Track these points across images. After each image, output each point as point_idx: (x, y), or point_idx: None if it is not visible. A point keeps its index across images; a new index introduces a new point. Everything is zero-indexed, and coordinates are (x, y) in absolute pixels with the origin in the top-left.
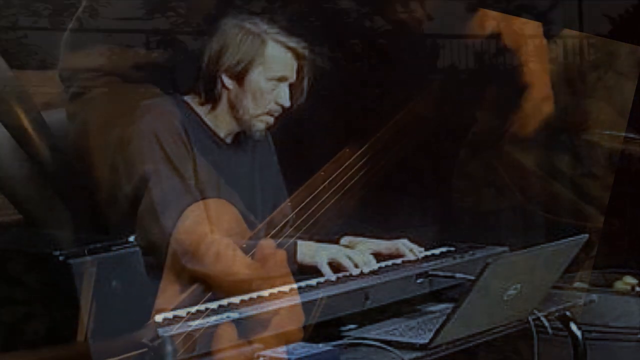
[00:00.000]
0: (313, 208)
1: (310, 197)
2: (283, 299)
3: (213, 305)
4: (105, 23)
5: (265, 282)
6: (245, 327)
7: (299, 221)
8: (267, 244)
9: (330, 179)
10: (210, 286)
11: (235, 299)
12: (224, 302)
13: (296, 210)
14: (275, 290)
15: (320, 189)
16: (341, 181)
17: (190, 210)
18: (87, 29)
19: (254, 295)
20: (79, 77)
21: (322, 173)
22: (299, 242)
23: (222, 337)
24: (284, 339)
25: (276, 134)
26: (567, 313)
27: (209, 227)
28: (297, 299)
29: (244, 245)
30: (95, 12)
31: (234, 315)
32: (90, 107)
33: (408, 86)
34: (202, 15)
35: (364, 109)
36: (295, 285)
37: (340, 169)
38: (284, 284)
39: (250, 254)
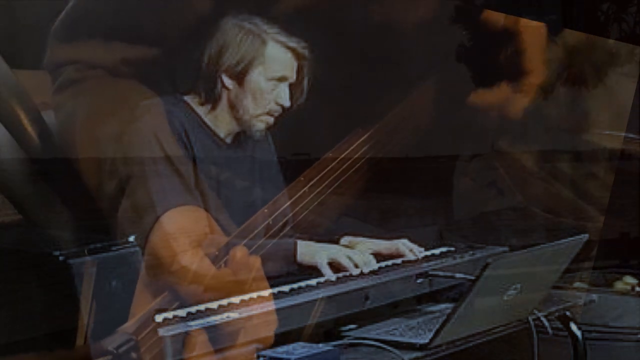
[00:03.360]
0: (314, 208)
1: (311, 198)
2: (283, 299)
3: (213, 305)
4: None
5: (239, 288)
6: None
7: (298, 220)
8: (240, 251)
9: (330, 179)
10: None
11: (235, 299)
12: (224, 302)
13: (294, 208)
14: (275, 290)
15: (320, 189)
16: (341, 180)
17: (163, 220)
18: (76, 20)
19: (254, 295)
20: (66, 69)
21: (302, 178)
22: (299, 242)
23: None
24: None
25: (276, 134)
26: (567, 313)
27: (180, 239)
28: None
29: (217, 253)
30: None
31: (234, 315)
32: (77, 99)
33: (408, 85)
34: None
35: (364, 108)
36: (273, 290)
37: (341, 169)
38: (259, 289)
39: (224, 260)
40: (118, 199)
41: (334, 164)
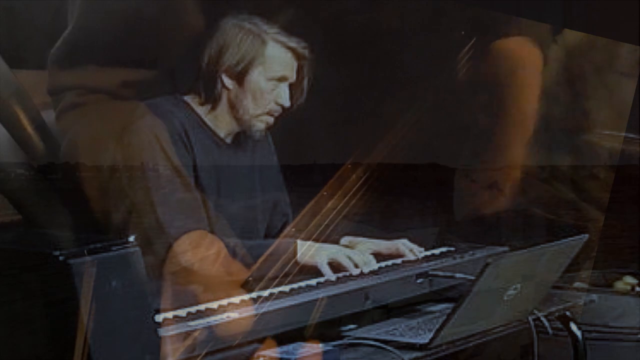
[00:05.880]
0: (314, 209)
1: (313, 200)
2: (283, 299)
3: (213, 305)
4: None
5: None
6: (245, 327)
7: (300, 221)
8: None
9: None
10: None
11: (235, 299)
12: (224, 302)
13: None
14: (275, 290)
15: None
16: (343, 183)
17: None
18: (74, 45)
19: (254, 295)
20: (67, 94)
21: (325, 193)
22: (299, 242)
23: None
24: None
25: (276, 134)
26: (567, 313)
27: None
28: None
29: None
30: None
31: (234, 315)
32: (79, 123)
33: (409, 88)
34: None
35: (364, 110)
36: (273, 290)
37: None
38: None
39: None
40: (135, 203)
41: (359, 169)
